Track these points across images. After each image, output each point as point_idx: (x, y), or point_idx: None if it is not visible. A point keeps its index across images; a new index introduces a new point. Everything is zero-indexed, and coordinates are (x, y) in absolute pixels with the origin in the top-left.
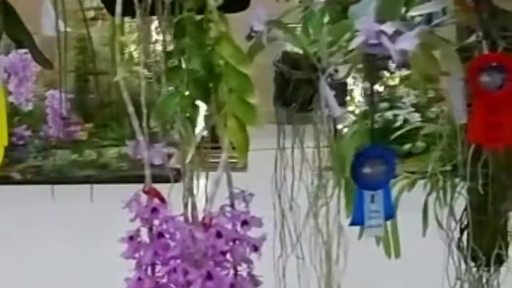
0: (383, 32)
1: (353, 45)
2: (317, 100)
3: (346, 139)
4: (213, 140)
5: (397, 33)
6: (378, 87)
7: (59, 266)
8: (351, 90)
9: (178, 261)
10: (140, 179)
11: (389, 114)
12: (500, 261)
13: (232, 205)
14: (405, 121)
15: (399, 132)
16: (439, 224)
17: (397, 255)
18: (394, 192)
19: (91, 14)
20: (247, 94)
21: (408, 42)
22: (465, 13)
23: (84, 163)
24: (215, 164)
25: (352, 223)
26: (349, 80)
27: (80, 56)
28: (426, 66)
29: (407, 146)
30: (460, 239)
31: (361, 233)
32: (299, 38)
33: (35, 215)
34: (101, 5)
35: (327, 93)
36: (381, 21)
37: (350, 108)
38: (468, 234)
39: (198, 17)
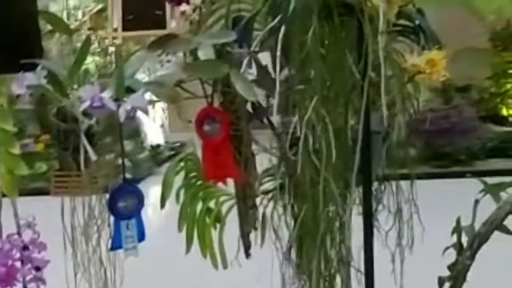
0: (105, 97)
1: (81, 108)
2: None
3: (171, 166)
4: None
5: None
6: None
7: None
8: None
9: None
10: None
11: None
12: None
13: (18, 233)
14: None
15: None
16: (277, 236)
17: (225, 266)
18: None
19: (49, 26)
20: (10, 146)
21: (136, 101)
22: None
23: (34, 175)
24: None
25: (112, 248)
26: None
27: None
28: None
29: None
30: (290, 251)
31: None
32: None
33: None
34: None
35: (84, 142)
36: (103, 88)
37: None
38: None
39: None
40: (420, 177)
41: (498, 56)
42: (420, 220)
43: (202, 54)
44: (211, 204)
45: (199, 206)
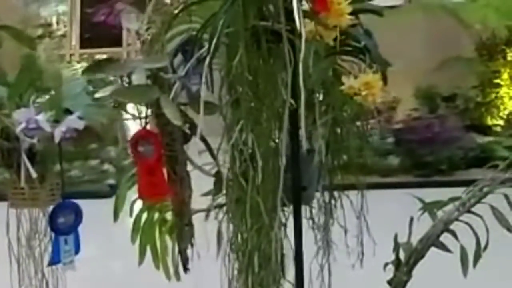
0: (40, 119)
1: (19, 129)
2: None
3: (124, 181)
4: None
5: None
6: None
7: None
8: None
9: None
10: None
11: None
12: None
13: None
14: None
15: None
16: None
17: (178, 278)
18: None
19: (38, 31)
20: None
21: (71, 123)
22: None
23: None
24: None
25: (51, 263)
26: None
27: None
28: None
29: None
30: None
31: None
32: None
33: None
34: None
35: (25, 159)
36: (40, 112)
37: None
38: None
39: None
40: (401, 186)
41: (483, 66)
42: (369, 233)
43: (134, 79)
44: (167, 215)
45: (156, 216)
